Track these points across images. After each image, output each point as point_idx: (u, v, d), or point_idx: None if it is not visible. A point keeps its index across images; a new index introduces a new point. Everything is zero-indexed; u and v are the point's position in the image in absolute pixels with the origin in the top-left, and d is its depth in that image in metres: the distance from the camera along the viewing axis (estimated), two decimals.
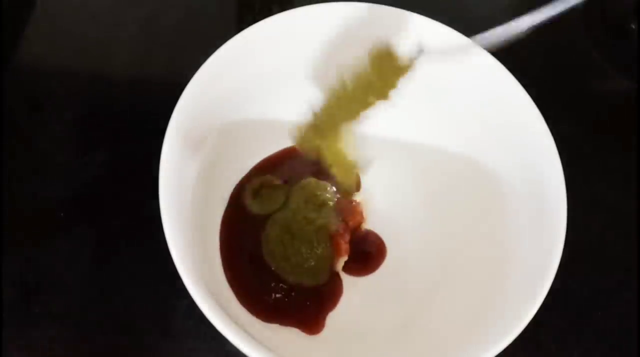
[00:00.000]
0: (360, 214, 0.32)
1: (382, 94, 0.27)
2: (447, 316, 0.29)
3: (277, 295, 0.30)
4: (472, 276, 0.30)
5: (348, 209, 0.32)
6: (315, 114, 0.28)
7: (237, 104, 0.31)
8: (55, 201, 0.33)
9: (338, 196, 0.33)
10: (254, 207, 0.32)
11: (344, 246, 0.30)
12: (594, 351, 0.32)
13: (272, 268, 0.31)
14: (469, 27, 0.31)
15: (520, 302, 0.24)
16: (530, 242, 0.27)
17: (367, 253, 0.33)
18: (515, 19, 0.22)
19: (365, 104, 0.27)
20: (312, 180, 0.33)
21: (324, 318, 0.30)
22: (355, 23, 0.31)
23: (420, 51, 0.27)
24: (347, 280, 0.32)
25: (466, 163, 0.32)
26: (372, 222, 0.33)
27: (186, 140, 0.27)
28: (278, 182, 0.33)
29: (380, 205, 0.33)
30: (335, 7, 0.31)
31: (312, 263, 0.30)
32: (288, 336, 0.29)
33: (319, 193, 0.32)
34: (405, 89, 0.33)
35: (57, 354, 0.29)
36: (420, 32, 0.31)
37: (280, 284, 0.30)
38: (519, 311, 0.24)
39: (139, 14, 0.42)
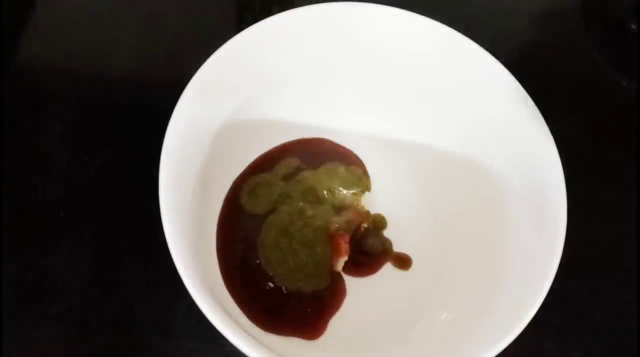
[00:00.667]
0: (361, 213, 0.32)
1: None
2: (447, 316, 0.29)
3: (276, 303, 0.30)
4: (472, 276, 0.30)
5: (348, 209, 0.32)
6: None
7: (237, 104, 0.31)
8: (55, 201, 0.33)
9: (338, 189, 0.33)
10: (250, 206, 0.32)
11: (344, 246, 0.30)
12: (594, 351, 0.32)
13: (270, 274, 0.30)
14: (469, 27, 0.31)
15: (520, 302, 0.24)
16: (531, 242, 0.27)
17: (368, 253, 0.32)
18: None
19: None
20: (309, 174, 0.33)
21: (325, 323, 0.30)
22: (355, 23, 0.31)
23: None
24: (347, 280, 0.32)
25: (466, 163, 0.32)
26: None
27: (186, 140, 0.27)
28: (274, 179, 0.33)
29: (381, 205, 0.33)
30: (335, 7, 0.31)
31: (311, 266, 0.30)
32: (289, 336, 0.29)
33: (318, 187, 0.32)
34: (405, 89, 0.33)
35: (57, 354, 0.29)
36: (420, 32, 0.31)
37: (279, 291, 0.30)
38: (519, 311, 0.24)
39: (139, 14, 0.41)
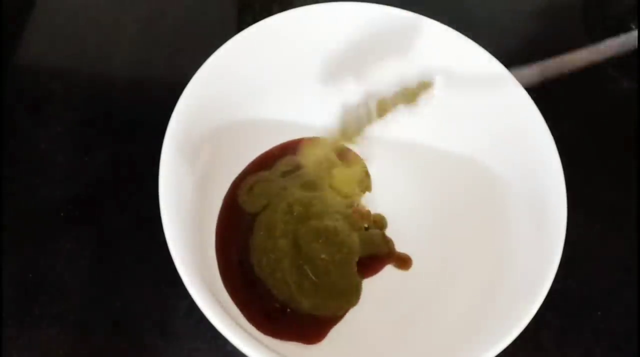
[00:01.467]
0: (362, 213, 0.32)
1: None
2: (447, 316, 0.29)
3: (274, 308, 0.29)
4: (472, 276, 0.30)
5: (348, 208, 0.32)
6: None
7: (237, 104, 0.31)
8: (55, 201, 0.33)
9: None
10: (247, 204, 0.32)
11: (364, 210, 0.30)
12: (594, 351, 0.32)
13: (263, 280, 0.29)
14: (469, 27, 0.31)
15: (520, 302, 0.24)
16: (530, 242, 0.27)
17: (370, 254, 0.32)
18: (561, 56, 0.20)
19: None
20: (309, 168, 0.33)
21: (326, 332, 0.29)
22: (355, 23, 0.31)
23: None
24: None
25: (466, 163, 0.32)
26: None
27: (186, 140, 0.27)
28: (273, 177, 0.33)
29: (381, 205, 0.33)
30: (335, 7, 0.31)
31: (308, 284, 0.29)
32: None
33: (318, 182, 0.32)
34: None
35: (57, 354, 0.29)
36: (420, 31, 0.31)
37: (275, 297, 0.29)
38: (519, 311, 0.24)
39: (138, 14, 0.42)
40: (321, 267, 0.29)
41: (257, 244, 0.30)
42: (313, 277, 0.29)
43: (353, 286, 0.30)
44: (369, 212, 0.33)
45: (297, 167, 0.33)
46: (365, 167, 0.34)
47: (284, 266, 0.29)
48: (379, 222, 0.33)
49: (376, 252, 0.32)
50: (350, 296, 0.30)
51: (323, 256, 0.29)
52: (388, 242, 0.32)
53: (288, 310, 0.29)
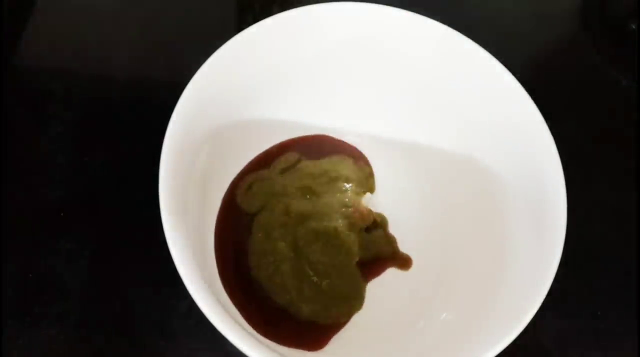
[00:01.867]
0: (363, 212, 0.32)
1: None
2: (447, 316, 0.29)
3: (273, 314, 0.28)
4: (472, 276, 0.30)
5: (349, 207, 0.32)
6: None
7: (237, 104, 0.31)
8: (55, 201, 0.33)
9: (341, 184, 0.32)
10: (245, 204, 0.32)
11: (364, 210, 0.30)
12: (594, 351, 0.32)
13: (262, 284, 0.29)
14: (469, 27, 0.31)
15: (520, 302, 0.24)
16: (530, 242, 0.27)
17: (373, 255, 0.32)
18: None
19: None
20: (309, 163, 0.32)
21: (328, 339, 0.28)
22: (355, 23, 0.31)
23: None
24: None
25: (466, 163, 0.32)
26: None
27: (186, 140, 0.27)
28: (271, 175, 0.33)
29: (381, 205, 0.33)
30: (335, 7, 0.30)
31: (308, 288, 0.29)
32: None
33: (319, 177, 0.31)
34: (405, 89, 0.34)
35: (57, 354, 0.29)
36: (420, 32, 0.31)
37: (274, 303, 0.29)
38: (519, 311, 0.24)
39: (139, 14, 0.42)
40: (321, 270, 0.29)
41: (255, 246, 0.30)
42: (314, 280, 0.29)
43: (356, 291, 0.30)
44: (370, 211, 0.32)
45: (296, 163, 0.33)
46: (370, 167, 0.34)
47: (284, 270, 0.29)
48: (380, 222, 0.33)
49: (379, 252, 0.31)
50: (353, 301, 0.29)
51: (323, 258, 0.29)
52: (391, 241, 0.32)
53: (287, 316, 0.29)
